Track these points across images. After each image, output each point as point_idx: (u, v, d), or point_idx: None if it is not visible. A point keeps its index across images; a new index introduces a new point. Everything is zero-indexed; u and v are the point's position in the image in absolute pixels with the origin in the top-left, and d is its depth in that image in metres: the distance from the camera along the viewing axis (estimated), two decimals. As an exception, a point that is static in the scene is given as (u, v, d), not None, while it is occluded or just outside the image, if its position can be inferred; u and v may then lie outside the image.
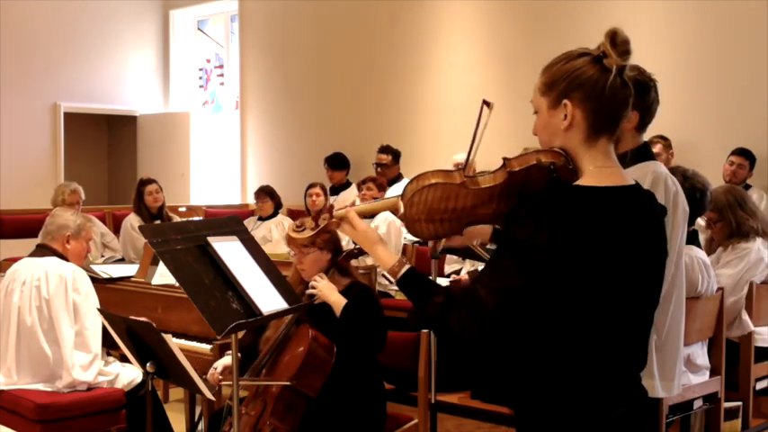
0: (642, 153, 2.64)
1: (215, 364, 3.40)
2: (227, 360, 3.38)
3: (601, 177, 1.73)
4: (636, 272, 1.73)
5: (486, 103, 2.07)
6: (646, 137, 2.75)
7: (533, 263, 1.66)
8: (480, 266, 5.49)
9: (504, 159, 1.77)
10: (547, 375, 1.74)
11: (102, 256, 6.95)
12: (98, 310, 3.68)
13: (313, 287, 3.27)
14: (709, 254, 4.34)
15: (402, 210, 1.81)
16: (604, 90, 1.71)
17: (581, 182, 1.74)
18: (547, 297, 1.68)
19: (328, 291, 3.26)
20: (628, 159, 2.54)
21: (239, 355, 3.01)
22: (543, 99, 1.78)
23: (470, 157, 2.03)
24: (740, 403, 4.24)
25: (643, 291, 1.77)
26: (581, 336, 1.71)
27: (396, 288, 6.03)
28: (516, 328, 1.73)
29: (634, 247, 1.72)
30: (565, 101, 1.73)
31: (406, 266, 1.83)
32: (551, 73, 1.77)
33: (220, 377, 3.29)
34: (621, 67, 1.71)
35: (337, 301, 3.24)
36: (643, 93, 2.55)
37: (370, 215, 1.96)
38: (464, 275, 5.63)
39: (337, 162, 8.04)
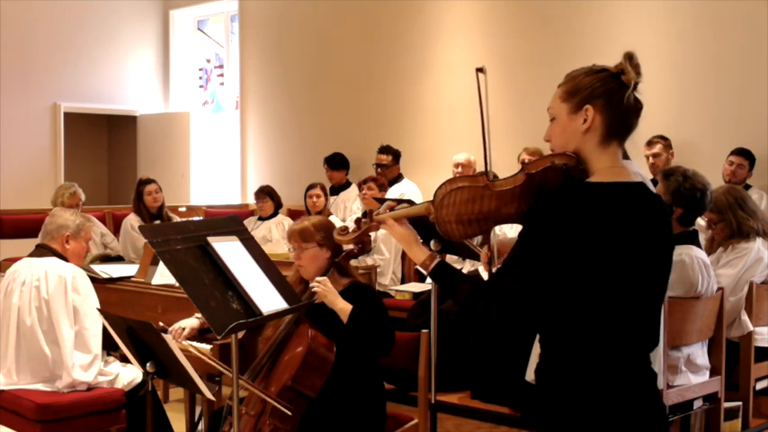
0: None
1: (181, 323, 3.52)
2: (192, 321, 3.51)
3: (611, 175, 1.93)
4: (644, 257, 1.91)
5: (478, 69, 2.21)
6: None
7: (550, 250, 1.85)
8: (480, 266, 5.50)
9: (523, 164, 2.02)
10: (566, 354, 1.92)
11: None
12: (98, 310, 3.68)
13: (314, 288, 3.25)
14: (709, 254, 4.34)
15: (434, 213, 2.01)
16: (622, 101, 1.92)
17: (593, 179, 1.94)
18: (563, 281, 1.87)
19: (333, 297, 3.24)
20: None
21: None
22: (564, 105, 1.97)
23: (484, 127, 2.17)
24: (740, 403, 4.24)
25: (652, 275, 1.94)
26: (595, 316, 1.89)
27: (395, 289, 6.06)
28: (538, 309, 1.92)
29: (642, 235, 1.90)
30: (587, 106, 1.93)
31: (437, 260, 2.07)
32: (574, 83, 1.97)
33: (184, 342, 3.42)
34: (636, 83, 1.93)
35: (343, 308, 3.22)
36: None
37: (404, 218, 2.16)
38: (464, 275, 5.63)
39: (336, 162, 8.03)
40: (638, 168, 2.80)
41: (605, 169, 1.93)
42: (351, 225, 2.28)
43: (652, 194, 1.98)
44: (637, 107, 1.95)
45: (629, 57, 1.93)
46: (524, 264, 1.88)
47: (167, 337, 2.87)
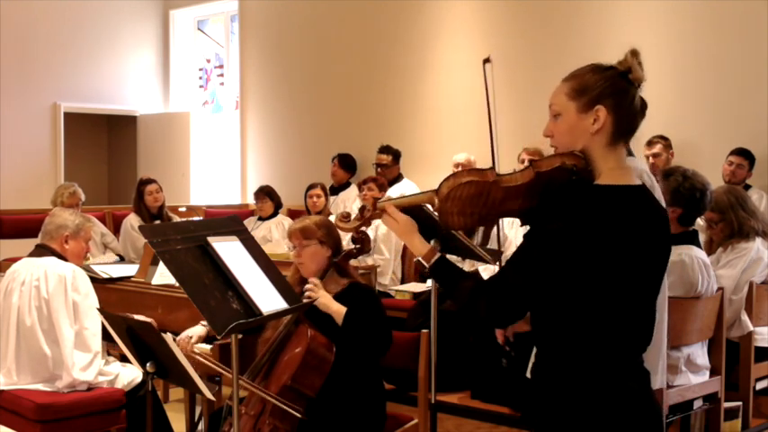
0: None
1: (188, 332, 3.47)
2: (199, 329, 3.47)
3: (616, 177, 1.92)
4: (646, 261, 1.91)
5: (485, 61, 2.22)
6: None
7: (561, 254, 1.84)
8: (480, 266, 5.50)
9: (531, 161, 1.95)
10: (562, 353, 1.92)
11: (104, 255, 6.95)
12: (98, 309, 3.68)
13: (307, 293, 3.25)
14: (709, 254, 4.33)
15: (437, 203, 1.98)
16: (632, 101, 1.91)
17: (600, 181, 1.92)
18: (567, 283, 1.86)
19: (326, 300, 3.24)
20: None
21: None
22: (572, 103, 1.92)
23: (491, 120, 2.17)
24: (740, 403, 4.24)
25: (650, 277, 1.95)
26: (594, 316, 1.88)
27: (395, 289, 6.06)
28: (539, 308, 1.93)
29: (644, 239, 1.90)
30: (598, 106, 1.89)
31: (438, 255, 2.04)
32: (582, 80, 1.92)
33: (194, 349, 3.40)
34: (641, 82, 1.91)
35: (338, 310, 3.22)
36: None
37: (406, 207, 2.14)
38: (464, 275, 5.62)
39: (347, 162, 8.06)
40: (644, 165, 2.79)
41: (611, 171, 1.91)
42: (353, 214, 2.28)
43: (652, 198, 1.98)
44: (643, 107, 1.93)
45: (635, 54, 1.90)
46: (533, 266, 1.86)
47: (167, 337, 2.87)
